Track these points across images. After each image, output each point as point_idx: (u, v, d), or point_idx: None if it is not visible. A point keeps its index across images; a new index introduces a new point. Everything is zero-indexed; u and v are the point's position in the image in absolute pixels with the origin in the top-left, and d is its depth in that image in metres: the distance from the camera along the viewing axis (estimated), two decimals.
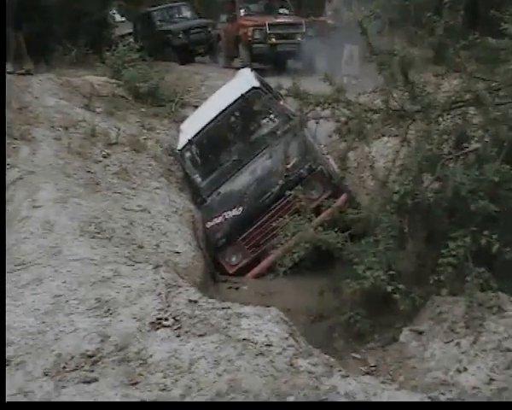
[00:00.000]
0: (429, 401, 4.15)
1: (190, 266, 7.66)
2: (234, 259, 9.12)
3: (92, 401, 3.95)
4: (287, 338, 4.54)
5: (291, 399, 3.75)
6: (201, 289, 7.08)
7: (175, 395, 3.93)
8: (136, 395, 3.93)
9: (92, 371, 4.24)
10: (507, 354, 4.96)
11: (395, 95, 7.14)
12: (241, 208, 9.11)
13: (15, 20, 10.84)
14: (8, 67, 11.11)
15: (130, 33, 24.19)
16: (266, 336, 4.53)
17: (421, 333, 5.89)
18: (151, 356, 4.35)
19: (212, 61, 22.18)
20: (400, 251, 6.69)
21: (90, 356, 4.39)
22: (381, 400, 3.85)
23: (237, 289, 8.62)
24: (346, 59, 16.39)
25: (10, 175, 8.12)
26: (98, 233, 7.01)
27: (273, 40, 18.98)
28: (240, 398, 3.79)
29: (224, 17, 21.68)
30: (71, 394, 3.98)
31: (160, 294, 5.22)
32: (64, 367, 4.28)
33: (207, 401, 3.81)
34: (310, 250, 6.88)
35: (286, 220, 7.25)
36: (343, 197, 8.78)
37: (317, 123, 7.53)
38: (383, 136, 7.80)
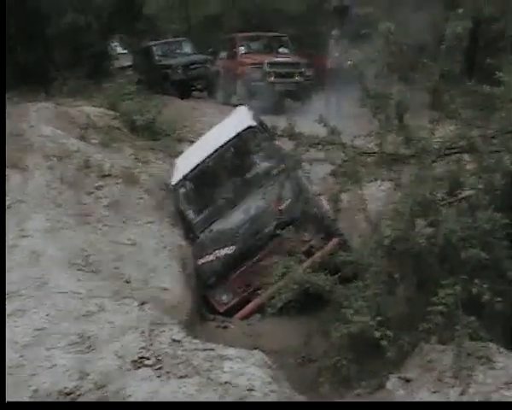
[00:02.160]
0: None
1: (178, 303, 7.55)
2: (224, 297, 9.03)
3: None
4: (270, 383, 4.45)
5: None
6: (188, 327, 6.98)
7: None
8: None
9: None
10: None
11: (390, 138, 7.12)
12: (233, 247, 9.05)
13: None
14: None
15: (130, 66, 24.29)
16: (249, 379, 4.44)
17: (408, 381, 5.78)
18: (130, 396, 4.26)
19: (210, 96, 22.25)
20: (390, 296, 6.61)
21: (68, 394, 4.30)
22: None
23: (225, 328, 8.52)
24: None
25: None
26: (85, 266, 6.95)
27: (272, 79, 19.03)
28: None
29: (223, 53, 21.80)
30: None
31: (143, 332, 5.14)
32: None
33: (208, 401, 3.69)
34: (299, 292, 6.79)
35: (276, 261, 7.16)
36: (334, 241, 8.72)
37: (310, 164, 7.47)
38: (376, 179, 7.76)
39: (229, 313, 8.90)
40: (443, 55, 7.03)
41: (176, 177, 10.16)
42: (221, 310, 8.95)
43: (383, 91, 7.18)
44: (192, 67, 22.22)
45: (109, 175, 9.99)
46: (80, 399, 4.24)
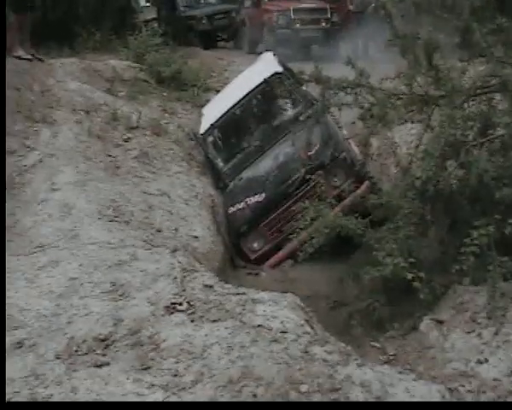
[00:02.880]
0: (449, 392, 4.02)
1: (209, 251, 7.61)
2: (256, 245, 9.07)
3: (105, 384, 3.90)
4: (302, 325, 4.47)
5: (304, 388, 3.67)
6: (219, 274, 7.01)
7: (186, 380, 3.87)
8: (147, 380, 3.88)
9: (104, 354, 4.21)
10: None
11: (419, 80, 6.99)
12: (263, 194, 9.04)
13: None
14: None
15: (154, 18, 24.11)
16: (281, 322, 4.46)
17: (441, 323, 5.77)
18: (164, 341, 4.30)
19: (236, 46, 22.05)
20: (421, 239, 6.57)
21: (103, 340, 4.36)
22: (397, 391, 3.75)
23: (257, 275, 8.57)
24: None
25: (30, 158, 8.10)
26: (116, 217, 6.97)
27: (297, 25, 18.80)
28: (252, 385, 3.72)
29: (248, 2, 21.52)
30: (82, 378, 3.95)
31: (175, 278, 5.18)
32: (76, 351, 4.25)
33: (208, 401, 3.73)
34: (330, 237, 6.77)
35: (307, 206, 7.14)
36: (365, 184, 8.66)
37: (339, 109, 7.38)
38: (406, 122, 7.66)
39: (262, 260, 8.92)
40: None
41: (204, 126, 10.13)
42: (252, 257, 8.99)
43: (412, 32, 7.04)
44: (217, 17, 22.01)
45: (137, 127, 10.00)
46: (115, 345, 4.30)
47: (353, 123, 8.27)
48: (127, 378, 3.93)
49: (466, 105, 6.80)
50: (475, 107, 6.87)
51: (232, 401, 3.70)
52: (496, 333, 5.13)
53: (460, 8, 7.04)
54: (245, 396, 3.68)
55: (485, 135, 6.63)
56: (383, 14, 7.22)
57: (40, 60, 11.17)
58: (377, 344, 6.22)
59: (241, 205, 9.15)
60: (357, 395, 3.69)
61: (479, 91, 6.83)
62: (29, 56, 10.75)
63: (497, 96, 6.84)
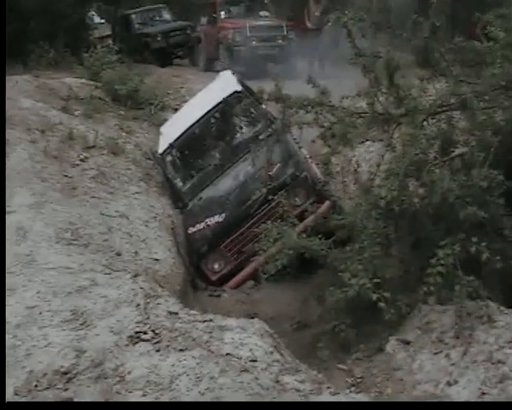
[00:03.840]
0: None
1: (170, 273, 7.46)
2: (216, 266, 8.96)
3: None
4: (272, 353, 4.36)
5: None
6: (181, 297, 6.90)
7: None
8: None
9: (66, 389, 4.02)
10: (498, 366, 4.80)
11: (380, 98, 6.99)
12: (223, 215, 8.95)
13: None
14: None
15: (108, 35, 23.95)
16: (250, 350, 4.34)
17: (408, 343, 5.73)
18: (129, 373, 4.14)
19: (192, 63, 21.98)
20: (386, 258, 6.53)
21: (65, 373, 4.17)
22: None
23: (218, 296, 8.45)
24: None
25: None
26: (75, 240, 6.77)
27: (254, 43, 18.82)
28: None
29: (204, 19, 21.49)
30: None
31: (138, 305, 5.01)
32: (36, 386, 4.06)
33: (208, 401, 3.59)
34: (293, 257, 6.69)
35: (269, 227, 7.06)
36: (327, 204, 8.63)
37: (300, 128, 7.33)
38: (367, 140, 7.65)
39: (223, 281, 8.81)
40: (432, 12, 6.89)
41: (162, 145, 10.00)
42: (213, 278, 8.88)
43: (372, 50, 7.04)
44: (172, 34, 21.97)
45: (94, 146, 9.82)
46: (78, 378, 4.12)
47: (313, 142, 8.24)
48: None
49: (426, 124, 6.80)
50: (435, 125, 6.89)
51: (232, 401, 3.57)
52: (464, 354, 5.10)
53: (419, 28, 7.06)
54: None
55: (446, 153, 6.65)
56: (340, 31, 7.22)
57: None
58: (344, 367, 6.15)
59: (201, 225, 9.04)
60: None
61: (439, 110, 6.86)
62: None
63: (457, 115, 6.86)
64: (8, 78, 11.75)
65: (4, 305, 4.76)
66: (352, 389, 5.62)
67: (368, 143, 8.03)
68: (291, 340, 6.69)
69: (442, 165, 6.55)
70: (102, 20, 28.67)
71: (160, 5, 24.79)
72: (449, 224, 6.12)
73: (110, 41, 20.81)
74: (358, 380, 5.77)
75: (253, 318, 5.46)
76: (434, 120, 6.89)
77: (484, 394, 4.62)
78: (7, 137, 9.10)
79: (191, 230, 9.12)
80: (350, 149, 7.78)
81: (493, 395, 4.55)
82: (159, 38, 21.70)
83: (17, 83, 11.56)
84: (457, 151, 6.62)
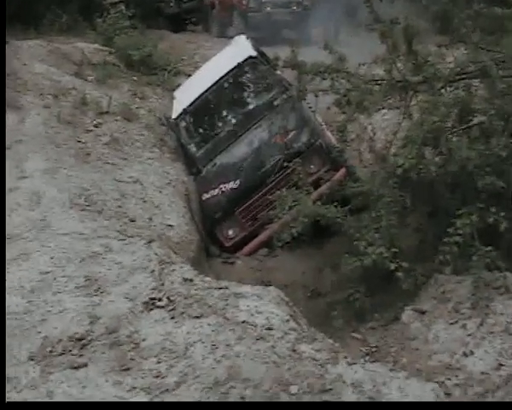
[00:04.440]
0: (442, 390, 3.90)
1: (184, 240, 7.42)
2: (231, 232, 8.91)
3: (83, 387, 3.71)
4: (288, 321, 4.32)
5: (294, 389, 3.51)
6: (195, 264, 6.86)
7: (169, 382, 3.69)
8: (128, 383, 3.69)
9: (81, 355, 4.01)
10: None
11: (398, 65, 6.87)
12: (238, 181, 8.89)
13: None
14: None
15: (121, 1, 23.71)
16: (266, 318, 4.30)
17: (423, 313, 5.68)
18: (144, 340, 4.12)
19: (205, 30, 21.74)
20: (402, 227, 6.47)
21: (79, 339, 4.16)
22: (390, 390, 3.61)
23: (232, 263, 8.42)
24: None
25: None
26: (88, 206, 6.74)
27: (268, 9, 18.59)
28: (240, 387, 3.54)
29: None
30: (58, 380, 3.75)
31: (153, 271, 4.98)
32: (51, 351, 4.05)
33: (208, 402, 3.56)
34: (308, 225, 6.63)
35: (284, 194, 7.00)
36: (342, 171, 8.54)
37: (316, 96, 7.23)
38: (383, 108, 7.54)
39: (237, 247, 8.78)
40: None
41: (176, 110, 9.88)
42: (228, 245, 8.84)
43: (390, 16, 6.91)
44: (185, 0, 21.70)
45: (107, 112, 9.74)
46: (92, 344, 4.10)
47: (328, 109, 8.14)
48: (106, 381, 3.74)
49: (444, 91, 6.69)
50: (454, 93, 6.77)
51: (232, 401, 3.54)
52: (480, 324, 5.05)
53: None
54: (233, 399, 3.51)
55: (465, 122, 6.55)
56: None
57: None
58: (358, 335, 6.13)
59: (216, 191, 8.98)
60: (350, 396, 3.55)
61: (457, 77, 6.74)
62: None
63: (476, 83, 6.74)
64: (20, 42, 11.69)
65: (4, 305, 4.72)
66: (367, 358, 5.60)
67: (383, 110, 7.89)
68: (305, 308, 6.67)
69: (460, 133, 6.45)
70: None
71: None
72: (467, 193, 6.05)
73: (123, 6, 20.55)
74: (373, 349, 5.75)
75: (268, 285, 5.40)
76: (453, 88, 6.79)
77: (501, 365, 4.58)
78: (22, 102, 9.07)
79: (205, 196, 9.06)
80: (366, 116, 7.67)
81: (510, 367, 4.50)
82: (172, 4, 21.45)
83: (30, 47, 11.48)
84: (476, 120, 6.52)
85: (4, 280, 4.92)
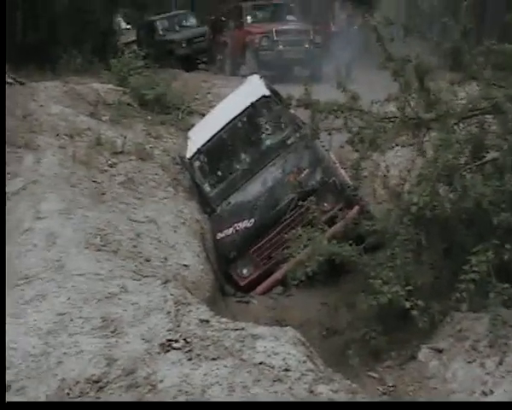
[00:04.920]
0: None
1: (199, 279, 7.42)
2: (245, 271, 8.94)
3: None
4: (305, 361, 4.29)
5: None
6: (211, 304, 6.85)
7: None
8: None
9: (98, 397, 4.00)
10: None
11: (411, 103, 6.92)
12: (252, 220, 8.94)
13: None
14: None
15: (134, 41, 24.01)
16: (283, 359, 4.27)
17: (441, 351, 5.64)
18: (161, 381, 4.10)
19: (216, 69, 21.93)
20: (418, 265, 6.45)
21: (96, 381, 4.15)
22: None
23: (247, 303, 8.41)
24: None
25: (13, 184, 7.89)
26: (104, 246, 6.76)
27: (280, 47, 18.78)
28: None
29: (231, 24, 21.46)
30: None
31: (169, 312, 4.98)
32: (68, 394, 4.04)
33: (208, 401, 3.54)
34: (322, 263, 6.62)
35: (298, 232, 7.00)
36: (356, 209, 8.56)
37: (329, 134, 7.28)
38: (396, 145, 7.57)
39: (251, 286, 8.77)
40: (463, 14, 6.82)
41: (190, 150, 9.98)
42: (242, 284, 8.85)
43: (402, 54, 6.97)
44: (196, 40, 21.94)
45: (122, 152, 9.83)
46: (109, 386, 4.09)
47: (342, 147, 8.18)
48: None
49: (457, 128, 6.72)
50: (466, 130, 6.80)
51: (232, 401, 3.51)
52: (500, 363, 5.00)
53: (449, 31, 6.99)
54: None
55: (478, 158, 6.56)
56: (367, 35, 7.16)
57: (21, 83, 10.97)
58: (375, 374, 6.08)
59: (230, 230, 9.03)
60: None
61: (470, 114, 6.77)
62: (10, 80, 10.55)
63: (489, 119, 6.76)
64: (37, 84, 11.86)
65: (4, 307, 4.73)
66: (384, 397, 5.56)
67: (397, 147, 7.91)
68: (321, 347, 6.64)
69: (474, 170, 6.45)
70: (129, 26, 28.83)
71: (184, 11, 24.82)
72: (482, 230, 6.03)
73: (136, 46, 20.83)
74: (390, 389, 5.70)
75: (285, 326, 5.38)
76: (465, 125, 6.81)
77: None
78: (38, 142, 9.17)
79: (219, 235, 9.11)
80: (379, 153, 7.70)
81: None
82: (183, 45, 21.71)
83: (46, 88, 11.63)
84: (489, 156, 6.53)
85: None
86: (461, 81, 6.95)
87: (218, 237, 9.11)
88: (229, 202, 9.35)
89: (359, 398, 4.04)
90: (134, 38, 24.59)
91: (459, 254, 6.04)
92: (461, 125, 6.77)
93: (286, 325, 5.58)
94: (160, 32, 22.86)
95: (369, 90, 8.37)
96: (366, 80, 12.09)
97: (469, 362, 5.22)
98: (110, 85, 13.51)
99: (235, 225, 8.99)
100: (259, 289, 8.69)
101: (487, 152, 6.61)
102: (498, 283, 5.45)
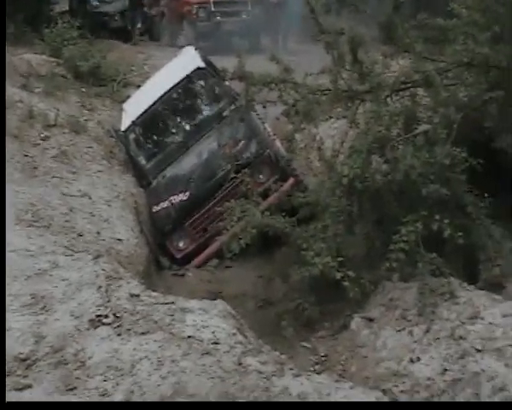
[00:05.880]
0: (386, 398, 3.96)
1: (133, 253, 7.37)
2: (181, 244, 8.96)
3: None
4: (234, 334, 4.32)
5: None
6: (145, 277, 6.85)
7: (116, 400, 3.67)
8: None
9: (26, 376, 3.95)
10: (460, 342, 4.84)
11: (344, 75, 6.96)
12: (187, 193, 8.93)
13: None
14: None
15: (68, 11, 23.38)
16: (213, 332, 4.30)
17: (372, 320, 5.76)
18: (90, 358, 4.08)
19: (152, 39, 21.60)
20: (349, 236, 6.54)
21: (24, 360, 4.10)
22: (335, 399, 3.65)
23: (182, 275, 8.41)
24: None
25: None
26: (35, 221, 6.65)
27: (218, 18, 18.65)
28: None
29: None
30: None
31: (100, 287, 4.94)
32: None
33: (208, 402, 3.55)
34: (256, 236, 6.66)
35: (233, 205, 7.02)
36: (291, 181, 8.63)
37: (264, 107, 7.28)
38: (331, 117, 7.62)
39: (187, 259, 8.79)
40: None
41: (125, 122, 9.86)
42: (178, 256, 8.86)
43: (335, 27, 7.00)
44: (129, 12, 21.47)
45: (55, 125, 9.61)
46: (37, 364, 4.05)
47: (277, 119, 8.19)
48: (51, 401, 3.70)
49: (390, 100, 6.80)
50: (399, 102, 6.89)
51: (232, 402, 3.52)
52: (427, 331, 5.13)
53: (382, 4, 7.04)
54: None
55: (410, 130, 6.65)
56: (304, 6, 7.18)
57: None
58: (308, 345, 6.17)
59: (166, 204, 9.00)
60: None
61: (402, 86, 6.86)
62: None
63: (420, 92, 6.86)
64: None
65: (4, 305, 4.64)
66: (317, 367, 5.66)
67: (332, 119, 7.97)
68: (255, 318, 6.71)
69: (405, 142, 6.54)
70: None
71: None
72: (412, 201, 6.14)
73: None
74: (323, 358, 5.79)
75: (215, 298, 5.41)
76: (398, 97, 6.91)
77: (446, 370, 4.65)
78: None
79: (155, 208, 9.09)
80: (314, 126, 7.75)
81: (454, 371, 4.59)
82: (116, 18, 21.21)
83: None
84: (421, 128, 6.61)
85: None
86: (393, 54, 7.02)
87: (154, 210, 9.08)
88: (165, 175, 9.31)
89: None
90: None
91: (390, 226, 6.14)
92: (393, 97, 6.85)
93: (221, 298, 5.62)
94: (93, 4, 22.22)
95: (306, 60, 8.40)
96: (303, 51, 12.11)
97: (399, 330, 5.34)
98: (43, 56, 13.19)
99: (171, 198, 8.97)
100: (195, 261, 8.72)
101: (419, 124, 6.70)
102: (427, 252, 5.58)
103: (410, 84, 6.84)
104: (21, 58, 12.58)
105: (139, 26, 21.28)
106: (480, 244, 6.05)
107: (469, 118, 6.33)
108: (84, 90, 12.22)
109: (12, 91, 10.32)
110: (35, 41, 14.42)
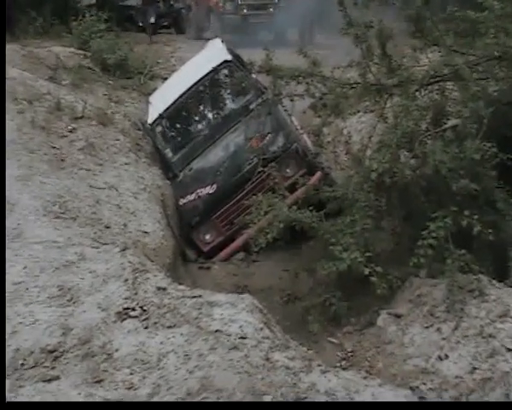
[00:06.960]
0: (415, 396, 3.91)
1: (160, 246, 7.36)
2: (208, 237, 8.97)
3: (55, 400, 3.66)
4: (262, 329, 4.29)
5: (267, 399, 3.50)
6: (171, 270, 6.84)
7: (142, 393, 3.66)
8: (100, 395, 3.65)
9: (53, 367, 3.96)
10: (489, 340, 4.78)
11: (372, 68, 6.90)
12: (214, 186, 8.93)
13: None
14: None
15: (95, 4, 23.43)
16: (240, 326, 4.27)
17: (399, 317, 5.70)
18: (117, 350, 4.08)
19: (179, 32, 21.62)
20: (377, 232, 6.48)
21: (51, 351, 4.10)
22: (363, 398, 3.61)
23: (208, 268, 8.41)
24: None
25: None
26: (63, 213, 6.67)
27: (245, 11, 18.64)
28: (212, 398, 3.52)
29: None
30: (29, 394, 3.69)
31: (126, 280, 4.93)
32: (22, 364, 3.99)
33: (208, 401, 3.53)
34: (283, 230, 6.63)
35: (260, 198, 6.99)
36: (318, 175, 8.57)
37: (291, 100, 7.23)
38: (358, 111, 7.57)
39: (214, 252, 8.80)
40: None
41: (152, 115, 9.86)
42: (205, 249, 8.87)
43: (364, 20, 6.93)
44: (157, 6, 21.48)
45: (82, 117, 9.64)
46: (64, 356, 4.05)
47: (304, 112, 8.15)
48: (78, 393, 3.69)
49: (419, 94, 6.73)
50: (428, 96, 6.81)
51: (232, 401, 3.50)
52: (455, 328, 5.07)
53: None
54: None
55: (439, 125, 6.58)
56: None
57: None
58: (334, 340, 6.14)
59: (192, 196, 9.01)
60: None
61: (432, 80, 6.77)
62: None
63: (450, 85, 6.77)
64: None
65: (4, 305, 4.65)
66: (343, 363, 5.62)
67: (359, 113, 7.91)
68: (281, 313, 6.69)
69: (434, 136, 6.47)
70: None
71: None
72: (441, 196, 6.07)
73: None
74: (349, 354, 5.75)
75: (242, 292, 5.39)
76: (427, 91, 6.83)
77: (475, 369, 4.60)
78: None
79: (182, 201, 9.10)
80: (341, 119, 7.71)
81: (484, 370, 4.53)
82: (142, 12, 21.22)
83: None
84: (450, 123, 6.55)
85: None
86: (423, 48, 6.94)
87: (181, 203, 9.09)
88: (192, 168, 9.29)
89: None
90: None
91: (418, 221, 6.08)
92: (422, 91, 6.78)
93: (247, 292, 5.60)
94: None
95: (333, 54, 8.34)
96: (330, 44, 12.03)
97: (426, 327, 5.28)
98: (71, 49, 13.25)
99: (198, 190, 8.97)
100: (221, 255, 8.71)
101: (448, 119, 6.63)
102: (456, 249, 5.50)
103: (439, 78, 6.75)
104: (49, 51, 12.65)
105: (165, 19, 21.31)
106: (510, 241, 5.97)
107: (500, 112, 6.23)
108: (111, 82, 12.27)
109: (40, 84, 10.38)
110: (63, 34, 14.47)
